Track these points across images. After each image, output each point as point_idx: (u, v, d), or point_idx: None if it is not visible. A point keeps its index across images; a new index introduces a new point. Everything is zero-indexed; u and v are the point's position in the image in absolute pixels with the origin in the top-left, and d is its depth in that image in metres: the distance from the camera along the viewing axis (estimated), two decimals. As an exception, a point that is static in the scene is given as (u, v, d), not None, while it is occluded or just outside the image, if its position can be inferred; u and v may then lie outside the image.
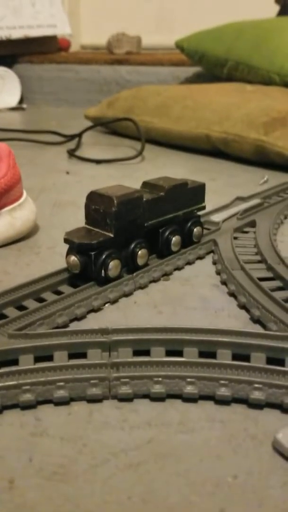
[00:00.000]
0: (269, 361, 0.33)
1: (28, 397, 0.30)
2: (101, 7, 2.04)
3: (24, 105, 1.57)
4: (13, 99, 1.57)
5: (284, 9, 1.43)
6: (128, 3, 1.96)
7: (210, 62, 1.24)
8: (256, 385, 0.31)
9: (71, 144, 1.01)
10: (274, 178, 0.78)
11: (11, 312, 0.38)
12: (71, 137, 1.04)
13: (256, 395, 0.31)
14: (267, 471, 0.26)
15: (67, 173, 0.83)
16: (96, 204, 0.43)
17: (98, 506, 0.24)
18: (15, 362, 0.32)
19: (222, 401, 0.31)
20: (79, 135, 1.03)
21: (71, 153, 0.93)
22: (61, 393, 0.31)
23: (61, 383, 0.31)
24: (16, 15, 1.54)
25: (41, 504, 0.24)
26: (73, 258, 0.42)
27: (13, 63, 1.62)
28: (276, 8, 1.50)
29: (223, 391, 0.31)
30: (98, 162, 0.89)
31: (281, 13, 1.46)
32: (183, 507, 0.24)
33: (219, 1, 1.77)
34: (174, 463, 0.26)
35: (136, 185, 0.49)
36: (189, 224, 0.49)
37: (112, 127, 1.12)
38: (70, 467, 0.26)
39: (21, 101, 1.60)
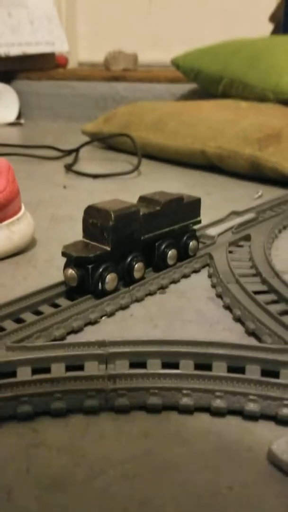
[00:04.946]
0: (264, 373, 0.33)
1: (25, 408, 0.30)
2: (98, 25, 2.07)
3: (22, 121, 1.59)
4: (11, 115, 1.58)
5: (279, 27, 1.46)
6: (125, 21, 1.99)
7: (206, 80, 1.26)
8: (251, 397, 0.31)
9: (69, 159, 1.02)
10: (268, 193, 0.79)
11: (9, 324, 0.39)
12: (68, 152, 1.06)
13: (251, 407, 0.31)
14: (262, 482, 0.27)
15: (64, 187, 0.84)
16: (94, 218, 0.44)
17: (95, 516, 0.24)
18: (13, 374, 0.33)
19: (218, 413, 0.31)
20: (76, 150, 1.04)
21: (68, 168, 0.94)
22: (58, 405, 0.31)
23: (59, 395, 0.31)
24: (14, 33, 1.56)
25: (38, 515, 0.24)
26: (70, 271, 0.42)
27: (11, 79, 1.64)
28: (271, 26, 1.53)
29: (219, 403, 0.31)
30: (95, 176, 0.90)
31: (275, 31, 1.49)
32: (179, 517, 0.24)
33: (215, 19, 1.81)
34: (170, 475, 0.27)
35: (133, 199, 0.49)
36: (185, 238, 0.50)
37: (109, 142, 1.13)
38: (67, 478, 0.26)
39: (19, 116, 1.62)
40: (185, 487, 0.26)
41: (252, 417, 0.31)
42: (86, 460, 0.27)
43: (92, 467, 0.27)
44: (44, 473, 0.26)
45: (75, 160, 1.00)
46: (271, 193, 0.79)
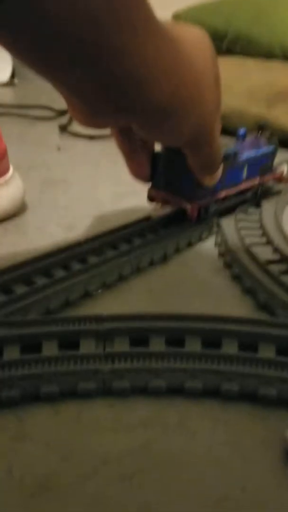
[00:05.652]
0: (279, 352, 0.30)
1: (11, 393, 0.27)
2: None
3: (16, 80, 1.52)
4: (4, 74, 1.51)
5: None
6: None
7: (209, 35, 1.20)
8: (266, 379, 0.28)
9: (64, 119, 0.97)
10: (277, 156, 0.75)
11: (-4, 297, 0.35)
12: (63, 112, 1.00)
13: (266, 390, 0.28)
14: (280, 481, 0.23)
15: (59, 149, 0.79)
16: None
17: (89, 522, 0.21)
18: (-2, 353, 0.29)
19: (228, 398, 0.28)
20: (72, 110, 0.98)
21: (63, 129, 0.89)
22: (49, 388, 0.27)
23: (49, 377, 0.28)
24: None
25: (24, 521, 0.21)
26: None
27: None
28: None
29: (229, 387, 0.28)
30: (91, 137, 0.85)
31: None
32: (186, 523, 0.21)
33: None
34: (174, 473, 0.23)
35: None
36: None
37: (106, 102, 1.08)
38: (56, 479, 0.23)
39: (12, 75, 1.54)
40: (190, 488, 0.23)
41: (267, 402, 0.28)
42: (78, 456, 0.24)
43: (84, 465, 0.23)
44: (29, 473, 0.23)
45: (71, 120, 0.95)
46: (279, 156, 0.74)
